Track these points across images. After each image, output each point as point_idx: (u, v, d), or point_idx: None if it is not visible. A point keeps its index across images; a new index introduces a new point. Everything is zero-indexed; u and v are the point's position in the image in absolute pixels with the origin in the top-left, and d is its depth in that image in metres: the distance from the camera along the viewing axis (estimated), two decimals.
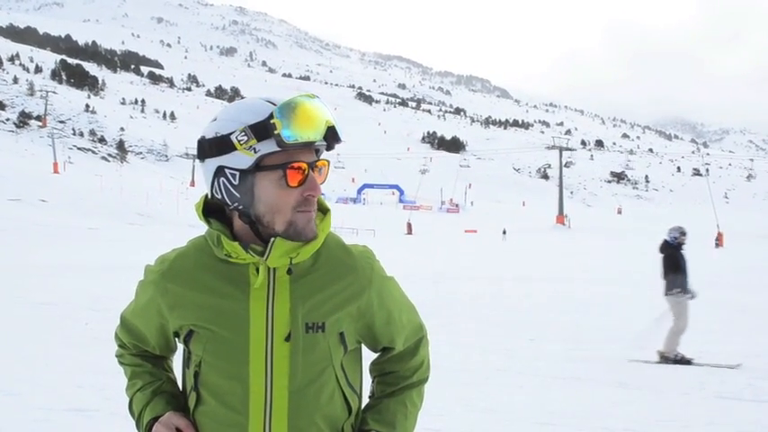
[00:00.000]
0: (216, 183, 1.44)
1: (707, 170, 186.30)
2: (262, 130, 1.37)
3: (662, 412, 5.84)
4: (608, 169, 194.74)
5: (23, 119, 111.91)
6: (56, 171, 64.59)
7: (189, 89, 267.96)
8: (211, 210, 1.52)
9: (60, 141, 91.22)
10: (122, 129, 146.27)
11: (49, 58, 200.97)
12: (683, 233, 8.62)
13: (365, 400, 1.67)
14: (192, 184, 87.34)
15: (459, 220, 73.56)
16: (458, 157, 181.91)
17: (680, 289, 8.19)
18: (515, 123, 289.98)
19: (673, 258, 8.42)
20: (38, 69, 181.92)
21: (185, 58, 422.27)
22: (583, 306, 12.85)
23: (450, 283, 16.36)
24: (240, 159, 1.39)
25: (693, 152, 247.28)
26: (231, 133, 1.39)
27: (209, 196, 1.49)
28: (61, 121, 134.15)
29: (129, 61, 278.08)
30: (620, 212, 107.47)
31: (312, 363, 1.47)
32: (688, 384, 6.94)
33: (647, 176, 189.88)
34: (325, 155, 1.46)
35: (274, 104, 1.40)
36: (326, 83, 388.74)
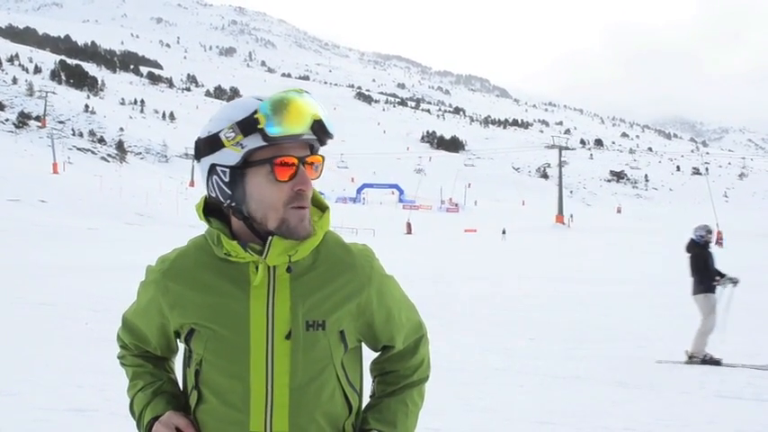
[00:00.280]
0: (210, 181, 1.46)
1: (706, 169, 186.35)
2: (247, 125, 1.39)
3: (662, 411, 5.84)
4: (607, 168, 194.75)
5: (23, 119, 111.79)
6: (55, 171, 64.54)
7: (188, 89, 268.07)
8: (212, 209, 1.53)
9: (60, 142, 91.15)
10: (122, 129, 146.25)
11: (49, 59, 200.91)
12: (710, 231, 8.50)
13: (366, 400, 1.67)
14: (192, 184, 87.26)
15: (459, 219, 73.55)
16: (457, 157, 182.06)
17: (707, 288, 8.03)
18: (515, 123, 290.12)
19: (701, 257, 8.26)
20: (37, 70, 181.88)
21: (184, 58, 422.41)
22: (582, 305, 12.86)
23: (450, 283, 16.37)
24: (229, 156, 1.41)
25: (693, 151, 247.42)
26: (220, 131, 1.41)
27: (207, 195, 1.52)
28: (60, 122, 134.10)
29: (128, 61, 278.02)
30: (619, 212, 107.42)
31: (313, 361, 1.47)
32: (688, 383, 6.94)
33: (646, 176, 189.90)
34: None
35: (262, 101, 1.42)
36: (326, 82, 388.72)
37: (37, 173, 57.32)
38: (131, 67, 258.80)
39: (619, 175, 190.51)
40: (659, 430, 5.32)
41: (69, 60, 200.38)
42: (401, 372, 1.65)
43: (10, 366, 6.68)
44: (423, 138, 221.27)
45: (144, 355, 1.65)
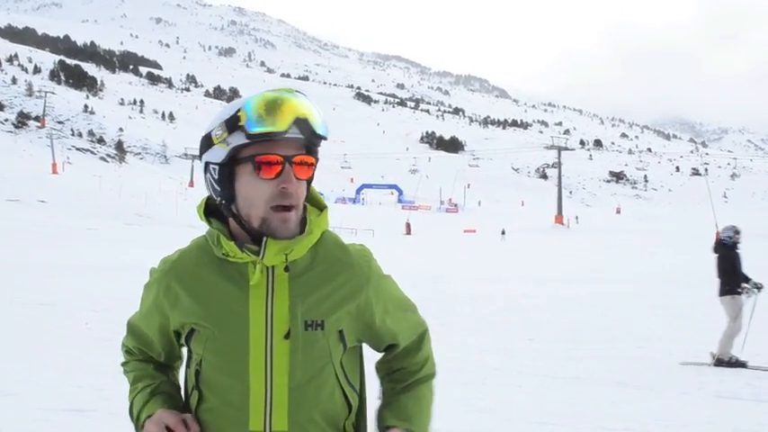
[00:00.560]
0: (205, 179, 1.51)
1: (706, 170, 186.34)
2: (231, 123, 1.42)
3: (661, 411, 5.85)
4: (607, 169, 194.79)
5: (22, 119, 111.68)
6: (54, 172, 64.44)
7: (187, 89, 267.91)
8: (212, 210, 1.55)
9: (59, 142, 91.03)
10: (121, 129, 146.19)
11: (48, 59, 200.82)
12: (738, 232, 8.40)
13: (369, 400, 1.68)
14: (191, 184, 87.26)
15: (458, 220, 73.55)
16: (457, 157, 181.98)
17: (734, 290, 7.91)
18: (514, 123, 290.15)
19: (728, 258, 8.16)
20: (36, 70, 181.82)
21: (184, 58, 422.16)
22: (582, 306, 12.87)
23: (449, 283, 16.38)
24: (217, 153, 1.44)
25: (692, 152, 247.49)
26: (212, 129, 1.46)
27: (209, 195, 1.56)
28: (60, 122, 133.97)
29: (127, 62, 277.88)
30: (618, 212, 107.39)
31: (311, 360, 1.48)
32: (687, 384, 6.95)
33: (645, 176, 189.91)
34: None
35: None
36: (325, 83, 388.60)
37: (36, 173, 57.26)
38: (131, 67, 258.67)
39: (618, 176, 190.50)
40: (658, 430, 5.32)
41: (68, 60, 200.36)
42: (408, 368, 1.65)
43: (9, 366, 6.67)
44: (422, 138, 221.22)
45: (147, 360, 1.66)
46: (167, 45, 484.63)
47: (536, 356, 8.26)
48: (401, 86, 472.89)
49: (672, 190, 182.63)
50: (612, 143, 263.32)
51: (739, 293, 7.98)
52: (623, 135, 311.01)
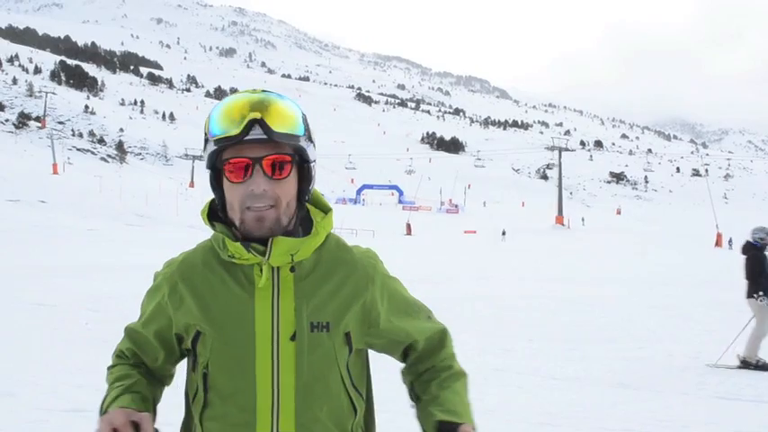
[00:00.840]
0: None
1: (706, 170, 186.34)
2: (204, 130, 1.46)
3: (661, 412, 5.85)
4: (607, 169, 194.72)
5: (23, 120, 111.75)
6: (55, 172, 64.44)
7: (188, 90, 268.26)
8: (216, 213, 1.55)
9: (59, 142, 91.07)
10: (122, 130, 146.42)
11: (49, 59, 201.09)
12: None
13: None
14: (192, 185, 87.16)
15: (459, 220, 73.52)
16: (457, 158, 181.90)
17: (763, 293, 7.78)
18: (515, 124, 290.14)
19: (757, 260, 8.03)
20: (37, 70, 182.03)
21: (185, 58, 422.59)
22: (582, 306, 12.86)
23: (450, 284, 16.36)
24: (206, 159, 1.48)
25: (693, 152, 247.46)
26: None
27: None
28: (60, 122, 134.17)
29: (128, 62, 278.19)
30: (619, 213, 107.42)
31: (317, 361, 1.48)
32: (687, 384, 6.94)
33: (646, 177, 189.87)
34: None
35: None
36: (326, 83, 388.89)
37: (37, 173, 57.25)
38: (131, 67, 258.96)
39: (618, 177, 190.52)
40: (658, 431, 5.32)
41: (69, 61, 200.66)
42: (437, 366, 1.64)
43: (9, 367, 6.67)
44: (423, 139, 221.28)
45: (137, 365, 1.60)
46: (168, 45, 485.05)
47: (536, 357, 8.26)
48: (402, 87, 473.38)
49: (672, 191, 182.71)
50: (613, 144, 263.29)
51: (755, 297, 7.84)
52: (624, 136, 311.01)
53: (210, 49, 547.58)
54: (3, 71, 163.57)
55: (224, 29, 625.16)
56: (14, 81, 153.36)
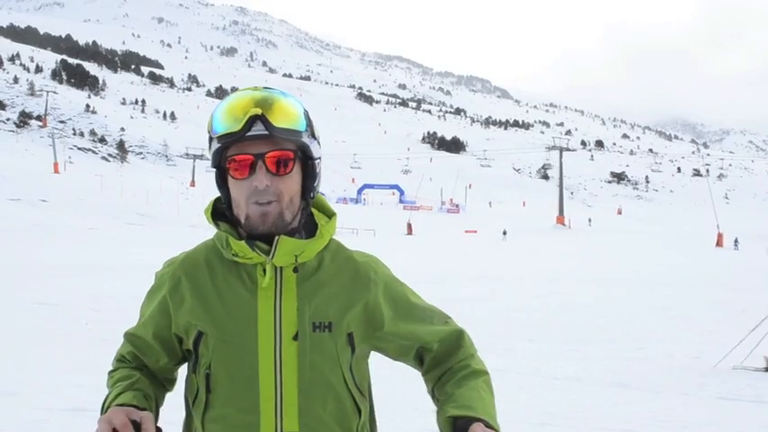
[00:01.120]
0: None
1: (707, 171, 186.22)
2: (208, 128, 1.47)
3: (661, 412, 5.85)
4: (608, 169, 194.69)
5: (24, 119, 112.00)
6: (56, 171, 64.52)
7: (189, 89, 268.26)
8: (220, 212, 1.55)
9: (60, 141, 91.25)
10: (123, 129, 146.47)
11: (50, 58, 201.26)
12: None
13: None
14: (192, 184, 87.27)
15: (460, 220, 73.51)
16: (458, 157, 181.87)
17: None
18: (516, 124, 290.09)
19: None
20: (38, 69, 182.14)
21: (186, 58, 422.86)
22: (582, 307, 12.86)
23: (450, 284, 16.36)
24: (211, 158, 1.49)
25: (694, 152, 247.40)
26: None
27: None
28: (61, 121, 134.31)
29: (129, 61, 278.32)
30: (620, 213, 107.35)
31: (319, 361, 1.48)
32: (687, 385, 6.94)
33: (647, 177, 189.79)
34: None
35: None
36: (327, 83, 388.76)
37: (38, 172, 57.29)
38: (132, 66, 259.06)
39: (619, 177, 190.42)
40: (659, 431, 5.32)
41: (70, 60, 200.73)
42: (455, 366, 1.59)
43: (10, 366, 6.68)
44: (424, 138, 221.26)
45: (138, 368, 1.58)
46: (169, 45, 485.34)
47: (536, 357, 8.26)
48: (403, 87, 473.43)
49: (673, 191, 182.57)
50: (614, 144, 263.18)
51: None
52: (625, 136, 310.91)
53: (212, 48, 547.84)
54: (4, 70, 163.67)
55: (225, 28, 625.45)
56: (16, 80, 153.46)
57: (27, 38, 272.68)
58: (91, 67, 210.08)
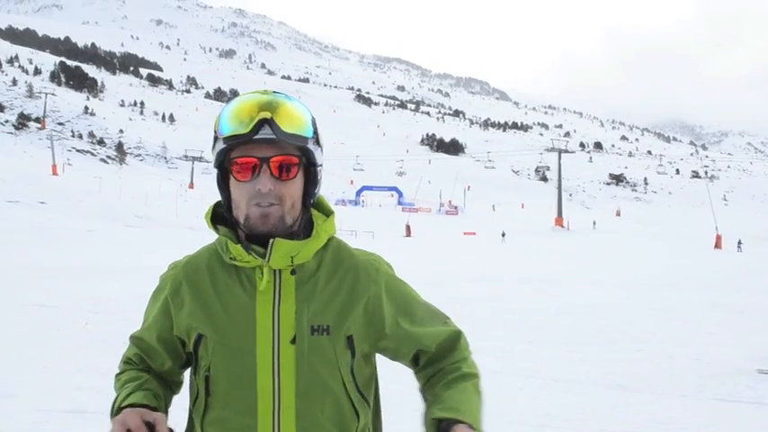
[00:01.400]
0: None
1: (706, 172, 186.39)
2: (214, 128, 1.48)
3: (661, 414, 5.85)
4: (606, 171, 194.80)
5: (22, 121, 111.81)
6: (55, 173, 64.39)
7: (188, 91, 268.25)
8: (220, 216, 1.55)
9: (59, 143, 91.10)
10: (121, 131, 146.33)
11: (49, 60, 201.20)
12: None
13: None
14: (191, 186, 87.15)
15: (458, 222, 73.50)
16: (457, 159, 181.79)
17: None
18: (514, 126, 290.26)
19: None
20: (37, 71, 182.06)
21: (184, 60, 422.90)
22: (581, 308, 12.85)
23: (449, 286, 16.35)
24: (214, 158, 1.49)
25: (692, 154, 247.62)
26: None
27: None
28: (60, 123, 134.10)
29: (128, 63, 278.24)
30: (618, 215, 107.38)
31: (318, 365, 1.47)
32: (687, 386, 6.94)
33: (645, 179, 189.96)
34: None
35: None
36: (325, 85, 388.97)
37: (36, 174, 57.22)
38: (131, 68, 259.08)
39: (618, 179, 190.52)
40: None
41: (69, 62, 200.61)
42: (446, 368, 1.59)
43: (9, 368, 6.66)
44: (422, 140, 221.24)
45: (145, 370, 1.59)
46: (168, 47, 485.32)
47: (536, 359, 8.26)
48: (401, 89, 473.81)
49: (672, 193, 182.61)
50: (612, 146, 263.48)
51: None
52: (623, 138, 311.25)
53: (210, 50, 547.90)
54: (3, 72, 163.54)
55: (224, 30, 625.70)
56: (14, 82, 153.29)
57: (26, 40, 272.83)
58: (90, 69, 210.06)
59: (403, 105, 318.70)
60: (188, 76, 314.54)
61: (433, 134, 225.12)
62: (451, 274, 19.75)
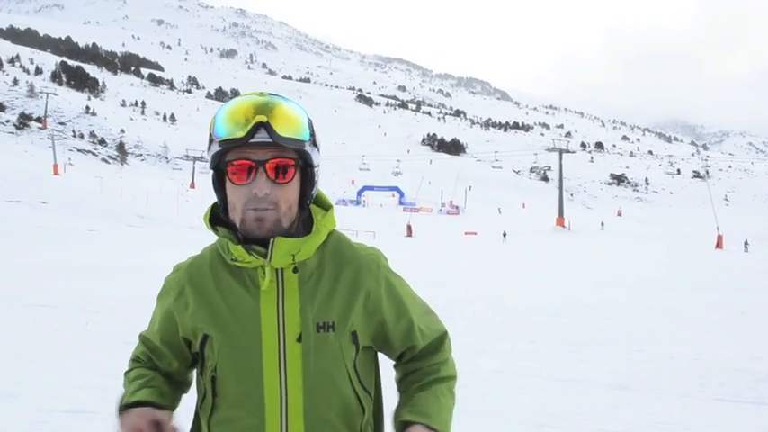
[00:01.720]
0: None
1: (707, 172, 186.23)
2: (209, 130, 1.47)
3: (661, 414, 5.84)
4: (608, 171, 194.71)
5: (23, 120, 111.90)
6: (56, 173, 64.47)
7: (189, 91, 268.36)
8: (219, 217, 1.54)
9: (60, 143, 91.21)
10: (122, 131, 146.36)
11: (50, 60, 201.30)
12: None
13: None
14: (192, 185, 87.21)
15: (459, 222, 73.49)
16: (458, 159, 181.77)
17: None
18: (515, 126, 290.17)
19: None
20: (38, 71, 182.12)
21: (185, 60, 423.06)
22: (582, 308, 12.84)
23: (450, 285, 16.35)
24: (210, 159, 1.48)
25: (693, 154, 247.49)
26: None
27: None
28: (61, 123, 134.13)
29: (129, 63, 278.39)
30: (619, 215, 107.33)
31: (324, 362, 1.48)
32: (687, 386, 6.93)
33: (646, 179, 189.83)
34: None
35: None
36: (327, 85, 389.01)
37: (37, 174, 57.27)
38: (132, 68, 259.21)
39: (619, 179, 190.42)
40: None
41: (70, 62, 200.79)
42: (425, 369, 1.61)
43: (9, 367, 6.66)
44: (423, 140, 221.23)
45: (153, 368, 1.62)
46: (169, 47, 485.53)
47: (536, 359, 8.25)
48: (402, 89, 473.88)
49: (673, 192, 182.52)
50: (614, 146, 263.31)
51: None
52: (624, 138, 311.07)
53: (211, 50, 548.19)
54: (4, 72, 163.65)
55: (225, 30, 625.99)
56: (15, 82, 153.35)
57: (27, 40, 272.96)
58: (91, 69, 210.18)
59: (404, 105, 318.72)
60: (189, 76, 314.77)
61: (434, 134, 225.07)
62: (453, 274, 19.74)
